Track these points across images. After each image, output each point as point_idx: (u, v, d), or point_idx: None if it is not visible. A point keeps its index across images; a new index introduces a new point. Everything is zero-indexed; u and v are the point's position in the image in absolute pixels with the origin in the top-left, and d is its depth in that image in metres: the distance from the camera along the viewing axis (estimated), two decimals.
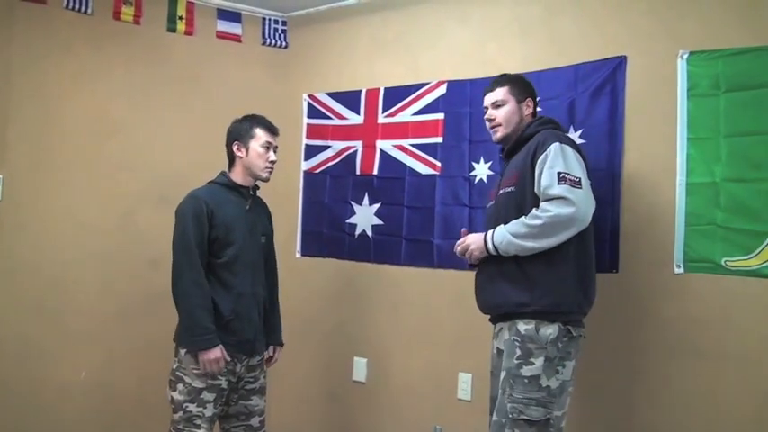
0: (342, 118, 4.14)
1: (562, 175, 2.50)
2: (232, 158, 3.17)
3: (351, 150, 4.09)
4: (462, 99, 3.62)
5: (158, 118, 4.10)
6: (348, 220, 4.08)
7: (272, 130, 3.20)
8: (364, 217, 4.01)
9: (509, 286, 2.64)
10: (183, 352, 2.97)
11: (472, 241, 2.72)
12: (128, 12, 3.98)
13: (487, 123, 2.90)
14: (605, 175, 3.12)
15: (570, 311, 2.59)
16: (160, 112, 4.10)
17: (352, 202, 4.06)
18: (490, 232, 2.65)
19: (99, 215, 3.90)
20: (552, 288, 2.56)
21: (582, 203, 2.49)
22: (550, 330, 2.54)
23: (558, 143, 2.57)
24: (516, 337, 2.59)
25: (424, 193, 3.75)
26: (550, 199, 2.50)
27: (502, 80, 2.89)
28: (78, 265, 3.84)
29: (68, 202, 3.83)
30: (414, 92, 3.83)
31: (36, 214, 3.75)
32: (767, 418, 2.69)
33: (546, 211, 2.50)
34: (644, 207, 3.04)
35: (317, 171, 4.25)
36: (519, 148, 2.77)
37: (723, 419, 2.78)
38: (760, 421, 2.71)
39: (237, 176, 3.15)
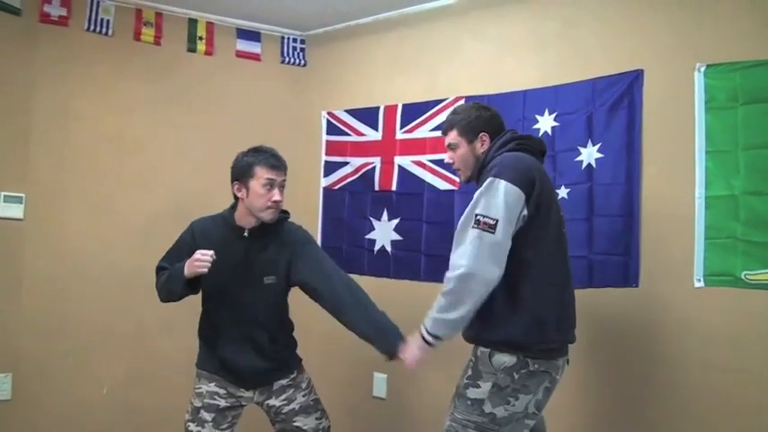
0: (360, 134, 4.16)
1: (477, 217, 2.37)
2: (236, 197, 2.97)
3: (369, 166, 4.11)
4: None
5: (178, 137, 4.15)
6: (367, 236, 4.09)
7: (275, 165, 2.91)
8: (383, 232, 4.02)
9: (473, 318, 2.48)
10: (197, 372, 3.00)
11: (411, 354, 2.59)
12: (148, 33, 4.04)
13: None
14: (624, 189, 3.12)
15: (524, 347, 2.41)
16: (180, 131, 4.15)
17: (371, 218, 4.08)
18: (424, 332, 2.50)
19: (119, 232, 3.95)
20: (502, 324, 2.42)
21: (476, 254, 2.34)
22: (506, 359, 2.41)
23: (491, 178, 2.41)
24: (472, 358, 2.52)
25: (442, 208, 3.76)
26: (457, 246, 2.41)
27: (451, 122, 2.75)
28: (99, 281, 3.89)
29: (89, 219, 3.89)
30: (431, 107, 3.85)
31: (57, 231, 3.81)
32: None
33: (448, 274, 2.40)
34: (663, 221, 3.02)
35: (336, 187, 4.27)
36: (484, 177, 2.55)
37: None
38: None
39: (240, 216, 2.94)
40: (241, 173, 2.92)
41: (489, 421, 2.41)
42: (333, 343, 4.20)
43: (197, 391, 2.95)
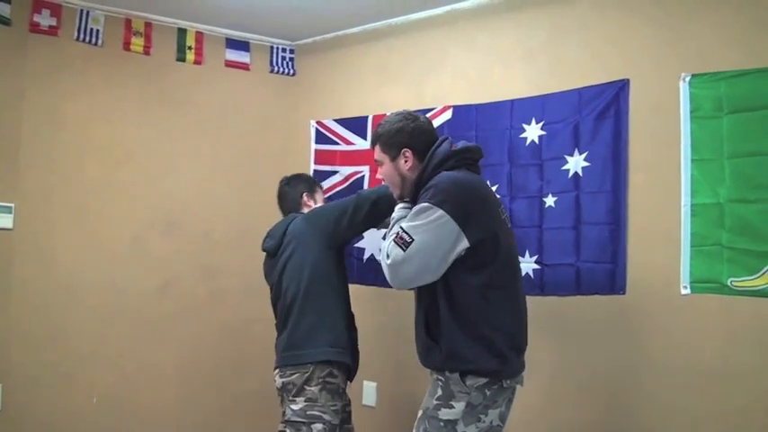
0: (349, 143, 4.17)
1: (399, 230, 2.32)
2: (298, 209, 3.32)
3: (358, 175, 4.11)
4: (468, 123, 3.62)
5: (168, 145, 4.16)
6: (356, 245, 4.09)
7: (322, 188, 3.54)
8: (372, 241, 4.02)
9: (425, 345, 2.46)
10: (317, 388, 2.90)
11: None
12: (137, 42, 4.05)
13: None
14: (611, 197, 3.13)
15: (495, 373, 2.34)
16: (169, 140, 4.16)
17: None
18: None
19: (109, 241, 3.96)
20: (470, 359, 2.32)
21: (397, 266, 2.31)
22: (479, 379, 2.32)
23: (425, 203, 2.31)
24: (441, 378, 2.38)
25: None
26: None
27: (374, 136, 2.61)
28: (88, 291, 3.89)
29: (79, 228, 3.89)
30: None
31: (48, 241, 3.81)
32: None
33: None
34: (650, 228, 3.05)
35: (326, 196, 4.27)
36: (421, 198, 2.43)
37: None
38: None
39: None
40: (310, 187, 3.43)
41: None
42: None
43: (334, 408, 2.98)
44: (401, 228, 2.32)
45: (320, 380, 2.89)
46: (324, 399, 2.89)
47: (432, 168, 2.44)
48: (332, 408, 2.90)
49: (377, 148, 2.60)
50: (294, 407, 2.89)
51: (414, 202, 2.45)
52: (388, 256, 2.33)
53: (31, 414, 3.70)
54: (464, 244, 2.29)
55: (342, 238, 3.12)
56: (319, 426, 2.87)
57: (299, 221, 3.14)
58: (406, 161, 2.52)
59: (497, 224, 2.42)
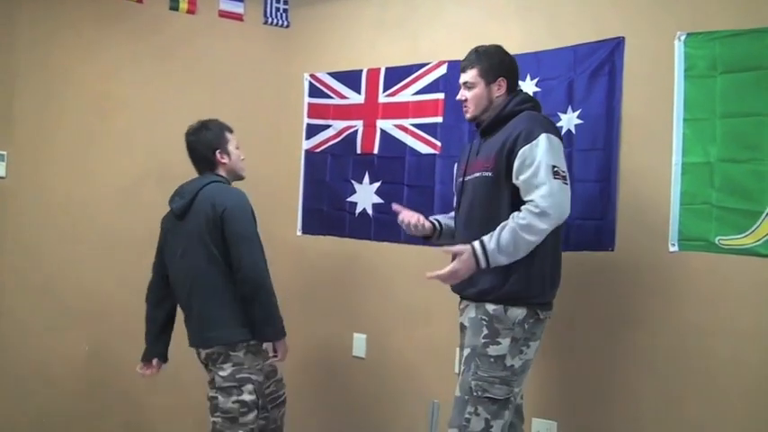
0: (343, 97, 4.17)
1: (555, 169, 2.51)
2: (212, 167, 3.18)
3: (352, 130, 4.12)
4: None
5: (160, 96, 4.12)
6: (349, 199, 4.12)
7: (231, 129, 3.28)
8: (365, 195, 4.05)
9: (482, 272, 2.57)
10: (242, 353, 2.99)
11: (460, 267, 2.54)
12: None
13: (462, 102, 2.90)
14: (603, 155, 3.15)
15: (537, 297, 2.63)
16: (162, 91, 4.13)
17: (353, 181, 4.10)
18: (482, 256, 2.51)
19: (101, 192, 3.95)
20: (527, 275, 2.58)
21: (565, 201, 2.54)
22: (518, 312, 2.59)
23: (545, 134, 2.55)
24: (484, 317, 2.63)
25: (423, 172, 3.78)
26: (542, 195, 2.48)
27: (473, 61, 2.83)
28: (81, 240, 3.90)
29: (72, 178, 3.89)
30: (414, 71, 3.85)
31: (41, 191, 3.81)
32: (759, 394, 2.74)
33: (537, 210, 2.47)
34: (640, 186, 3.07)
35: (319, 150, 4.28)
36: (497, 128, 2.74)
37: (716, 395, 2.83)
38: (752, 397, 2.76)
39: None
40: (219, 140, 3.24)
41: (511, 374, 2.59)
42: (313, 304, 4.26)
43: (259, 367, 3.10)
44: (551, 165, 2.50)
45: (243, 345, 2.99)
46: (249, 361, 2.99)
47: (515, 104, 2.76)
48: (257, 367, 3.02)
49: (472, 71, 2.82)
50: (222, 373, 2.97)
51: (489, 127, 2.79)
52: (557, 200, 2.50)
53: (25, 359, 3.75)
54: None
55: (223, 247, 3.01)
56: (249, 386, 2.98)
57: (211, 197, 3.03)
58: (498, 88, 2.81)
59: None
